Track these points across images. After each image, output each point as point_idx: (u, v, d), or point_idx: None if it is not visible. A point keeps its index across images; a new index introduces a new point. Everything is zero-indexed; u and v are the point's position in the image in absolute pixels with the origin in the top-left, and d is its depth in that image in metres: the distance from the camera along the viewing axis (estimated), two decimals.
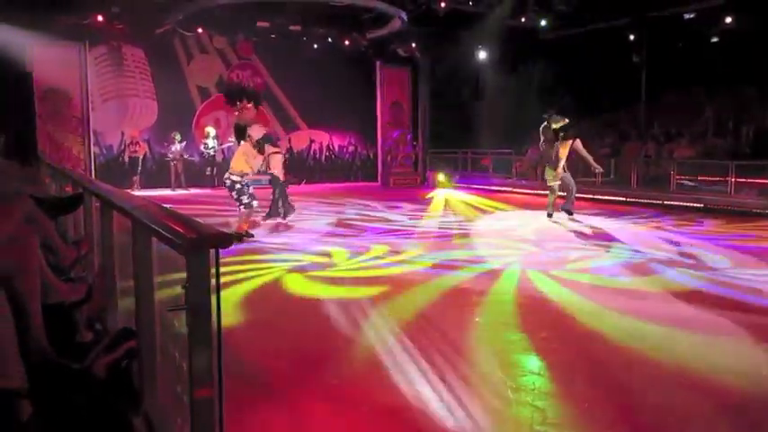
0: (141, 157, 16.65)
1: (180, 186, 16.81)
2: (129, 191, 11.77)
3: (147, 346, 2.31)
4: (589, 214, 11.55)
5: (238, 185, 8.63)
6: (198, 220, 1.82)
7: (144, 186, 16.37)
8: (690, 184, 14.04)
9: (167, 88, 17.41)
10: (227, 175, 8.79)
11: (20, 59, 14.51)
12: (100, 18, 15.22)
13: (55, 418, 2.33)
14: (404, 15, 16.25)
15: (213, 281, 1.67)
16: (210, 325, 1.62)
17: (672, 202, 13.16)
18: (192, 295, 1.61)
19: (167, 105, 17.50)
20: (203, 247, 1.59)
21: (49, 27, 14.64)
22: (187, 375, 1.72)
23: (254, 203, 8.78)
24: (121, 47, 16.86)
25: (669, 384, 3.65)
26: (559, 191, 10.97)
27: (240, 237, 8.44)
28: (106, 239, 3.26)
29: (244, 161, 8.71)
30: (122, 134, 17.03)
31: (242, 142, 8.83)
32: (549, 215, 10.89)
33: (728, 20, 16.22)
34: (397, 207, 13.28)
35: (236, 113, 9.15)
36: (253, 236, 8.84)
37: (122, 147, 16.93)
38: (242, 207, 8.69)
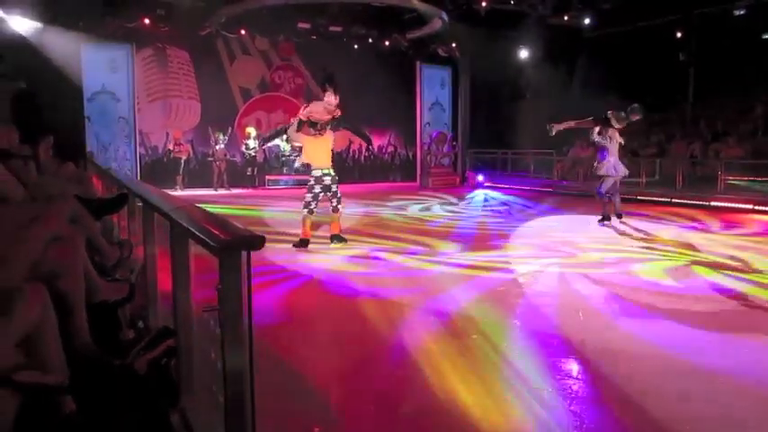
0: (184, 158, 16.98)
1: (222, 186, 17.08)
2: (171, 191, 12.02)
3: (184, 344, 2.37)
4: (632, 215, 11.32)
5: (336, 178, 8.25)
6: (234, 222, 1.85)
7: (187, 186, 16.69)
8: (739, 183, 13.66)
9: (210, 89, 17.74)
10: (318, 174, 8.13)
11: (71, 62, 14.95)
12: (146, 21, 15.59)
13: (97, 412, 2.41)
14: (444, 15, 16.21)
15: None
16: (243, 325, 1.65)
17: (719, 203, 12.80)
18: (224, 296, 1.64)
19: (210, 106, 17.82)
20: (235, 249, 1.62)
21: (98, 30, 15.10)
22: (221, 374, 1.76)
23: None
24: (166, 48, 17.23)
25: (714, 390, 3.56)
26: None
27: (343, 239, 8.28)
28: (148, 240, 3.34)
29: (330, 149, 8.37)
30: (167, 134, 17.39)
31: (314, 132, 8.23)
32: (619, 216, 10.43)
33: None
34: (435, 207, 13.27)
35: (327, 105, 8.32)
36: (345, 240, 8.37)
37: (167, 147, 17.29)
38: (339, 206, 8.23)
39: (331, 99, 8.07)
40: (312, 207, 8.12)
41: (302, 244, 8.08)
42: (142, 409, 2.53)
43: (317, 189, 8.15)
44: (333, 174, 8.25)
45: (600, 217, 10.40)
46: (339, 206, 8.29)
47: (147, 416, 2.50)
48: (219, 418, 1.85)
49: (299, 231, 8.20)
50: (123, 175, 6.19)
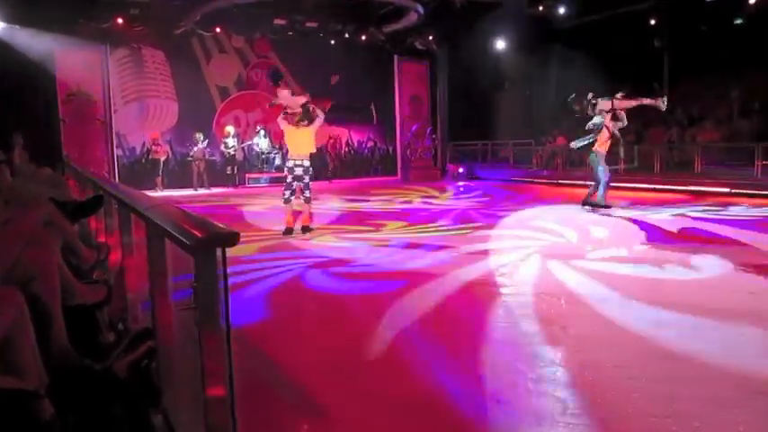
0: (163, 158, 16.81)
1: (202, 186, 16.96)
2: (151, 192, 11.91)
3: (164, 345, 2.34)
4: (610, 202, 11.41)
5: (311, 171, 8.60)
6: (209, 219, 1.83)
7: (167, 187, 16.55)
8: (715, 168, 13.85)
9: (187, 88, 17.59)
10: (291, 164, 8.55)
11: (44, 63, 14.76)
12: (120, 21, 15.41)
13: (77, 417, 2.38)
14: (420, 8, 16.19)
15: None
16: (220, 323, 1.63)
17: (697, 188, 12.96)
18: (199, 294, 1.62)
19: (188, 105, 17.68)
20: (210, 246, 1.60)
21: (72, 31, 14.89)
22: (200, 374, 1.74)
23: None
24: (141, 49, 17.04)
25: (697, 374, 3.59)
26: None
27: (309, 229, 8.63)
28: (125, 241, 3.30)
29: (311, 140, 8.65)
30: (144, 134, 17.22)
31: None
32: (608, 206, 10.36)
33: (752, 1, 15.91)
34: (416, 201, 13.29)
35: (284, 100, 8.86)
36: (312, 230, 8.75)
37: (145, 148, 17.11)
38: (309, 197, 8.61)
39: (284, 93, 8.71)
40: (287, 196, 8.55)
41: (286, 232, 8.61)
42: (123, 412, 2.50)
43: (289, 179, 8.56)
44: (306, 165, 8.55)
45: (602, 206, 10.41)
46: (308, 198, 8.66)
47: (128, 419, 2.47)
48: (201, 417, 1.83)
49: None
50: (99, 177, 6.11)
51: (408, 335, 4.37)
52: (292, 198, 8.57)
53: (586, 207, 10.40)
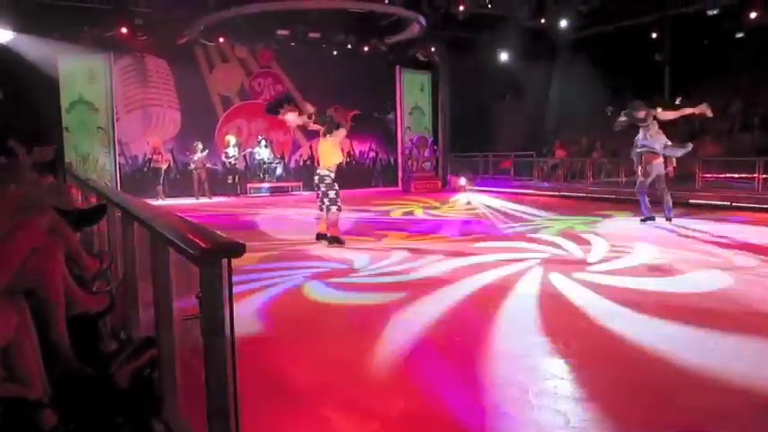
0: (164, 167, 16.84)
1: (204, 195, 16.97)
2: (152, 201, 11.92)
3: (166, 354, 2.34)
4: (612, 214, 11.43)
5: (328, 179, 8.56)
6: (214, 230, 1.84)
7: (168, 196, 16.56)
8: (716, 181, 13.87)
9: (190, 98, 17.65)
10: (316, 177, 8.68)
11: (48, 71, 14.83)
12: (124, 30, 15.49)
13: (79, 426, 2.38)
14: (422, 20, 16.27)
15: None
16: (224, 334, 1.64)
17: (698, 201, 12.97)
18: (205, 304, 1.63)
19: (190, 115, 17.73)
20: (216, 257, 1.61)
21: (76, 39, 14.98)
22: (204, 384, 1.74)
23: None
24: (145, 58, 17.12)
25: (697, 386, 3.58)
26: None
27: (340, 240, 8.58)
28: (128, 250, 3.30)
29: (332, 151, 8.67)
30: (147, 144, 17.27)
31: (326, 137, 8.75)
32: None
33: (753, 15, 15.99)
34: (418, 212, 13.29)
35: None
36: (343, 242, 8.66)
37: (147, 157, 17.14)
38: (332, 207, 8.54)
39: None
40: (318, 204, 8.73)
41: (318, 237, 8.83)
42: (125, 421, 2.50)
43: (320, 188, 8.67)
44: (325, 175, 8.59)
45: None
46: (329, 207, 8.58)
47: (130, 427, 2.47)
48: (204, 427, 1.83)
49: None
50: (102, 186, 6.13)
51: (409, 347, 4.35)
52: (323, 208, 8.66)
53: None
